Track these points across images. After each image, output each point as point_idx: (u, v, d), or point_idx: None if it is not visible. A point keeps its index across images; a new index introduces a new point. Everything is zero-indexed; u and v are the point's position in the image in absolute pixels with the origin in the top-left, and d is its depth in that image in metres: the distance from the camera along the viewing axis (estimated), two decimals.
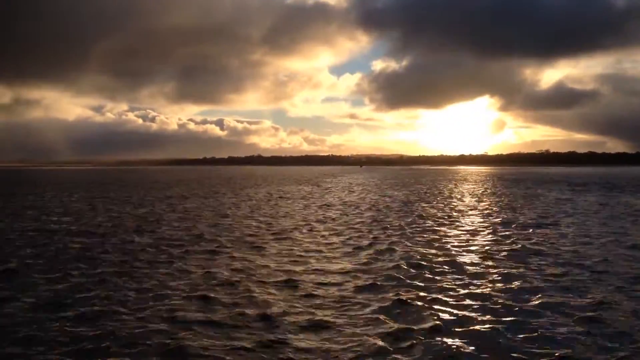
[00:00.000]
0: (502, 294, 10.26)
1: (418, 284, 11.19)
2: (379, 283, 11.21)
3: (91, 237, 18.10)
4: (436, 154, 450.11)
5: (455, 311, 9.19)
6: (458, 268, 12.75)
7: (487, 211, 27.65)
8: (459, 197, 40.25)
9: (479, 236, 18.20)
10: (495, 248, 15.61)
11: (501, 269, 12.55)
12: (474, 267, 12.82)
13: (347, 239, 17.69)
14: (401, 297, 10.04)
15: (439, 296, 10.19)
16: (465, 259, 13.98)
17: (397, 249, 15.46)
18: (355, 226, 21.10)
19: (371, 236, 18.20)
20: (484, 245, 16.12)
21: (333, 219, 23.83)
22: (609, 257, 14.08)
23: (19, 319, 8.79)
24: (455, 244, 16.52)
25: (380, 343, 7.67)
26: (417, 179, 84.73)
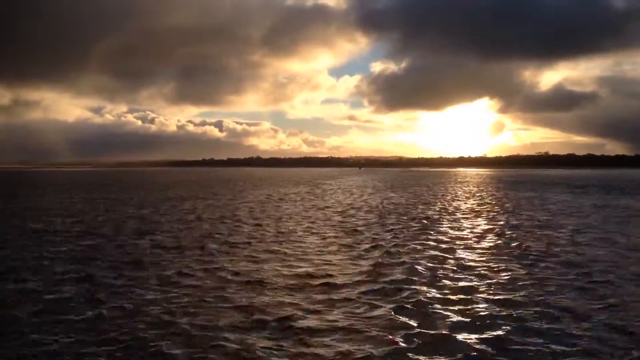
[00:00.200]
0: (511, 296, 10.19)
1: (427, 285, 11.11)
2: (387, 285, 11.13)
3: (94, 238, 18.00)
4: (435, 156, 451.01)
5: (465, 312, 9.13)
6: (466, 269, 12.69)
7: (489, 213, 27.61)
8: (460, 199, 40.23)
9: (484, 238, 18.13)
10: (500, 250, 15.55)
11: (509, 271, 12.48)
12: (481, 269, 12.75)
13: (352, 240, 17.61)
14: (411, 298, 9.98)
15: (449, 297, 10.15)
16: (472, 260, 13.91)
17: (403, 250, 15.39)
18: (359, 228, 21.02)
19: (376, 238, 18.12)
20: (489, 247, 16.06)
21: (336, 221, 23.76)
22: (614, 258, 14.05)
23: (22, 323, 8.68)
24: (461, 245, 16.46)
25: (392, 344, 7.61)
26: (416, 181, 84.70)
